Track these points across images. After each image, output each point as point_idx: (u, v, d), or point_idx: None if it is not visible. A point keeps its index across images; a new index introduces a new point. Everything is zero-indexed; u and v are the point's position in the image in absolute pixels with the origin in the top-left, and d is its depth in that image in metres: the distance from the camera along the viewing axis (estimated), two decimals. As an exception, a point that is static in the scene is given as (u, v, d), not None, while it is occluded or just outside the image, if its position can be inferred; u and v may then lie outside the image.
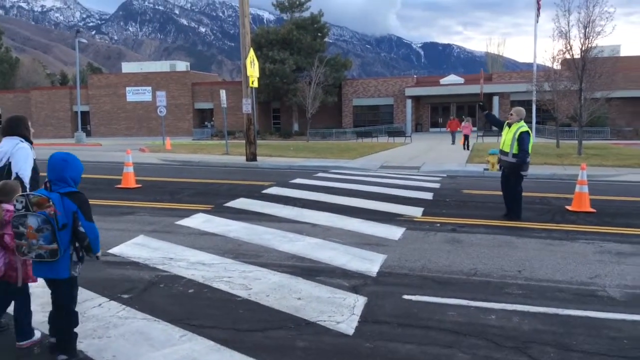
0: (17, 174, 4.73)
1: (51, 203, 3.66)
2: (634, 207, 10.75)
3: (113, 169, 16.68)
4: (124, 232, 7.90)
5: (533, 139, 9.14)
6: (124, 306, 4.90)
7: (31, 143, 5.06)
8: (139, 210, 9.65)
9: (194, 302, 5.03)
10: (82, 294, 5.18)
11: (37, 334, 4.21)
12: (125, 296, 5.17)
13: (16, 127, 5.03)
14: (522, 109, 9.42)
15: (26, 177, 4.80)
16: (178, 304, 4.99)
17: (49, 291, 4.00)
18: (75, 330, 3.98)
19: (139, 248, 6.96)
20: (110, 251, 6.81)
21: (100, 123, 57.29)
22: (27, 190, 4.58)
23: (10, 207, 3.92)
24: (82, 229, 3.80)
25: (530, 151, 9.05)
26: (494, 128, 41.75)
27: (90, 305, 4.90)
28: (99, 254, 4.01)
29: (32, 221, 3.64)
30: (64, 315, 3.91)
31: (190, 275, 5.80)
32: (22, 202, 3.69)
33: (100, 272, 5.91)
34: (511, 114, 9.29)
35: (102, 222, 8.64)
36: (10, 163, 4.82)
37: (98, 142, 42.78)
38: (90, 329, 4.40)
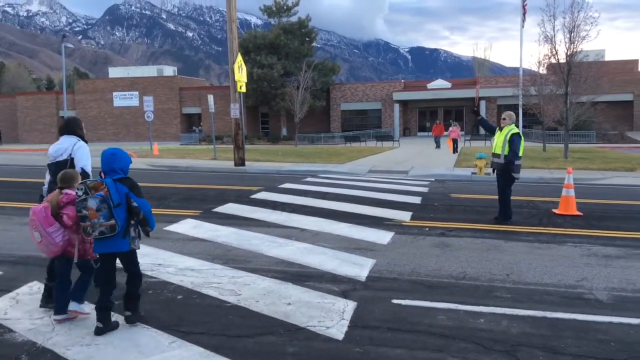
0: (82, 168, 5.38)
1: (105, 186, 4.36)
2: (620, 210, 10.86)
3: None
4: (112, 238, 7.83)
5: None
6: (112, 313, 4.85)
7: (86, 142, 5.70)
8: (126, 216, 9.58)
9: (183, 308, 5.01)
10: (70, 301, 5.14)
11: (87, 309, 4.81)
12: (115, 302, 5.11)
13: (73, 127, 5.69)
14: (513, 113, 9.62)
15: (89, 170, 5.41)
16: (167, 310, 4.96)
17: (37, 298, 4.01)
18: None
19: (127, 254, 6.91)
20: (98, 257, 6.76)
21: (87, 128, 55.58)
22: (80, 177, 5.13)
23: (72, 192, 4.65)
24: (135, 204, 4.48)
25: (521, 153, 9.16)
26: (482, 132, 42.12)
27: (78, 313, 4.85)
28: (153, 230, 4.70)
29: (92, 203, 4.33)
30: (131, 280, 4.69)
31: (179, 281, 5.77)
32: (82, 188, 4.41)
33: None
34: (504, 119, 9.41)
35: (90, 228, 8.59)
36: (72, 158, 5.44)
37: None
38: (78, 336, 4.36)
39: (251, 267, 6.38)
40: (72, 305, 4.70)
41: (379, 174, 18.12)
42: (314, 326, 4.57)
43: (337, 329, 4.50)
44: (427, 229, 8.67)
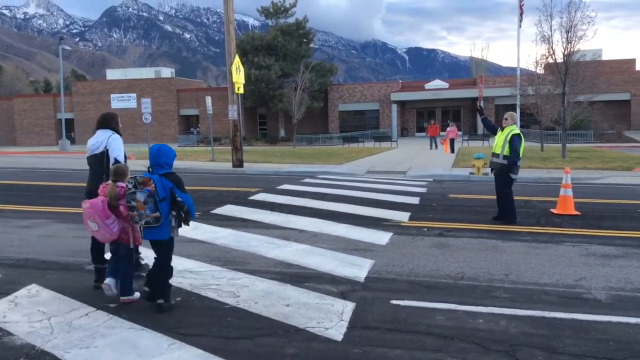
0: (115, 158, 5.74)
1: (152, 182, 4.88)
2: (618, 209, 10.88)
3: (98, 177, 16.53)
4: (110, 240, 7.83)
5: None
6: (111, 315, 4.86)
7: (120, 135, 6.04)
8: (125, 218, 9.58)
9: (182, 310, 5.00)
10: (69, 303, 5.15)
11: (137, 295, 5.26)
12: (112, 305, 5.12)
13: (109, 122, 6.05)
14: (515, 114, 9.64)
15: (122, 160, 5.82)
16: (166, 312, 4.96)
17: (37, 300, 4.01)
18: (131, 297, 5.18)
19: (125, 256, 6.90)
20: (96, 260, 6.75)
21: (84, 130, 56.81)
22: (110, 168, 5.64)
23: (123, 185, 5.14)
24: (179, 199, 4.99)
25: (521, 154, 9.17)
26: (479, 132, 42.15)
27: (77, 315, 4.85)
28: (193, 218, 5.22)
29: (140, 196, 4.86)
30: (163, 268, 5.14)
31: (177, 283, 5.76)
32: (132, 182, 4.98)
33: (87, 282, 5.86)
34: (506, 118, 9.42)
35: (87, 230, 8.56)
36: (107, 150, 5.81)
37: (83, 149, 42.39)
38: (77, 339, 4.36)
39: (250, 268, 6.38)
40: (122, 299, 5.19)
41: (377, 175, 18.13)
42: (313, 327, 4.57)
43: (336, 330, 4.50)
44: (426, 229, 8.68)
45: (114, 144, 5.85)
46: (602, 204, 11.51)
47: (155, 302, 5.03)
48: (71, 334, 4.44)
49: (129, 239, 5.29)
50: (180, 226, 5.18)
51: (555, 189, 11.61)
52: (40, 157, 31.79)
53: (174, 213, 5.06)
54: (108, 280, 5.30)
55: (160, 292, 5.07)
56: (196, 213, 9.95)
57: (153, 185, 4.91)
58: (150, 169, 5.05)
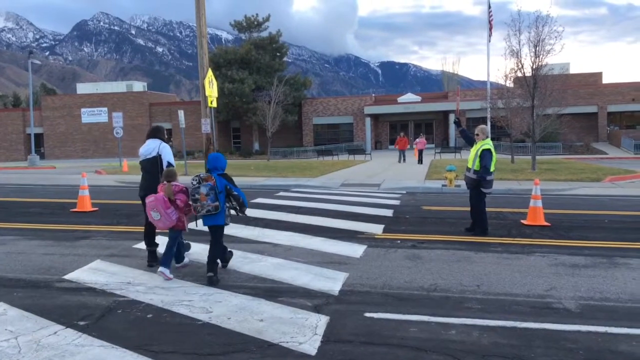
0: (168, 162, 7.15)
1: (213, 178, 6.29)
2: (586, 220, 11.08)
3: (68, 193, 16.28)
4: (80, 257, 7.70)
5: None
6: (80, 333, 4.76)
7: (167, 143, 7.43)
8: (95, 234, 9.43)
9: (153, 327, 4.93)
10: (37, 322, 5.04)
11: (187, 260, 7.12)
12: (82, 323, 5.02)
13: (157, 133, 7.51)
14: (485, 127, 9.65)
15: (173, 163, 7.18)
16: (136, 329, 4.88)
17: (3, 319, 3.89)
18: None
19: (95, 273, 6.79)
20: (65, 277, 6.62)
21: (54, 145, 55.99)
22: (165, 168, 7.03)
23: (178, 184, 6.62)
24: (235, 193, 6.41)
25: (492, 168, 9.16)
26: (452, 144, 42.68)
27: (46, 334, 4.74)
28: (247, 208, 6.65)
29: (203, 190, 6.22)
30: (217, 248, 6.55)
31: (148, 299, 5.68)
32: (196, 179, 6.30)
33: (56, 299, 5.74)
34: (477, 134, 9.44)
35: (57, 247, 8.42)
36: (160, 155, 7.19)
37: (52, 164, 41.72)
38: (45, 357, 4.25)
39: (223, 283, 6.31)
40: (161, 269, 6.50)
41: (351, 188, 18.19)
42: (287, 342, 4.54)
43: (310, 344, 4.48)
44: (399, 241, 8.72)
45: (165, 151, 7.30)
46: (571, 215, 11.72)
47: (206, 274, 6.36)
48: (39, 353, 4.34)
49: (183, 226, 6.70)
50: (237, 215, 6.68)
51: (526, 200, 11.79)
52: (9, 172, 31.17)
53: (227, 205, 6.47)
54: (162, 269, 6.51)
55: (210, 266, 6.37)
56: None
57: (214, 180, 6.28)
58: (208, 171, 6.50)
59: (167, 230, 6.72)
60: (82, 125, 55.41)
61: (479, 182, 9.20)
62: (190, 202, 6.41)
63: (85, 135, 55.40)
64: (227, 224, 6.58)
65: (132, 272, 6.80)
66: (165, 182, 6.63)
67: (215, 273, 6.33)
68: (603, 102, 46.91)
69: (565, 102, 26.77)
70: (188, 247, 7.67)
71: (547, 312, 5.33)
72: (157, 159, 7.22)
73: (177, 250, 6.81)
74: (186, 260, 7.04)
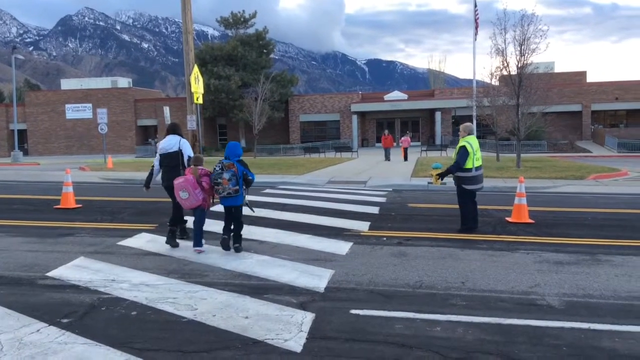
0: (188, 156, 8.21)
1: (235, 166, 7.37)
2: (570, 217, 11.19)
3: (51, 189, 16.12)
4: (64, 254, 7.63)
5: (475, 152, 9.32)
6: (63, 331, 4.71)
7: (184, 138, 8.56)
8: (79, 231, 9.35)
9: (137, 325, 4.89)
10: (20, 319, 4.98)
11: (205, 246, 7.80)
12: (65, 321, 4.97)
13: (177, 130, 8.61)
14: (468, 125, 9.67)
15: (192, 155, 8.22)
16: (120, 327, 4.84)
17: None
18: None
19: (79, 270, 6.73)
20: (49, 274, 6.56)
21: (38, 141, 55.39)
22: (185, 162, 8.21)
23: (203, 168, 7.68)
24: (250, 178, 7.58)
25: (470, 165, 9.17)
26: (437, 142, 42.83)
27: (28, 332, 4.69)
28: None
29: (226, 175, 7.33)
30: (239, 223, 7.81)
31: (133, 297, 5.64)
32: (219, 166, 7.41)
33: (39, 297, 5.68)
34: (459, 131, 9.58)
35: (40, 244, 8.33)
36: (180, 150, 8.27)
37: (36, 161, 41.27)
38: (28, 356, 4.21)
39: (208, 281, 6.29)
40: (195, 248, 7.69)
41: (337, 185, 18.19)
42: (272, 339, 4.53)
43: (295, 341, 4.47)
44: (385, 238, 8.74)
45: (185, 146, 8.41)
46: (555, 212, 11.82)
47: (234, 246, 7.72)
48: (22, 351, 4.29)
49: (207, 205, 7.74)
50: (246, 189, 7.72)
51: (511, 198, 11.86)
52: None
53: (244, 188, 7.57)
54: (196, 248, 7.73)
55: (236, 239, 7.77)
56: (153, 225, 9.95)
57: (235, 167, 7.39)
58: (229, 159, 7.49)
59: (192, 209, 7.73)
60: (66, 121, 54.85)
61: (459, 179, 9.28)
62: (213, 185, 7.49)
63: (70, 132, 54.85)
64: (245, 204, 7.66)
65: (116, 269, 6.75)
66: (192, 166, 7.72)
67: (240, 243, 7.79)
68: (587, 100, 47.36)
69: (550, 101, 26.98)
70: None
71: (531, 308, 5.37)
72: (179, 153, 8.28)
73: (197, 230, 7.75)
74: (204, 246, 7.83)
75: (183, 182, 7.48)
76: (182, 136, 8.47)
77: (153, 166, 8.65)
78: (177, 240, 8.13)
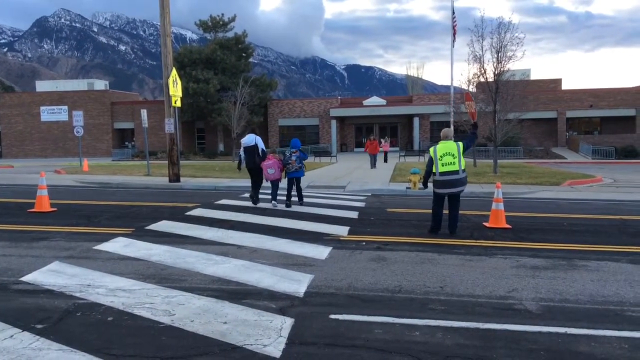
0: (262, 149, 12.90)
1: (298, 152, 12.84)
2: (546, 222, 11.33)
3: (25, 192, 15.84)
4: (38, 258, 7.48)
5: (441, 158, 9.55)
6: (37, 337, 4.61)
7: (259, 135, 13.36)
8: (53, 235, 9.18)
9: (114, 331, 4.81)
10: (-10, 326, 4.86)
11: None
12: (39, 326, 4.87)
13: (254, 131, 13.50)
14: (444, 130, 9.81)
15: (264, 148, 12.93)
16: (96, 332, 4.75)
17: None
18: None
19: (53, 275, 6.60)
20: (22, 279, 6.43)
21: (12, 144, 54.47)
22: (261, 155, 12.92)
23: (277, 156, 13.22)
24: (306, 158, 13.23)
25: (433, 169, 9.42)
26: (415, 147, 43.09)
27: (1, 337, 4.58)
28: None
29: (294, 157, 12.79)
30: (299, 188, 13.33)
31: (109, 302, 5.55)
32: (289, 153, 12.86)
33: (12, 302, 5.56)
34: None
35: (14, 248, 8.17)
36: (256, 144, 12.95)
37: (10, 163, 40.54)
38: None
39: (186, 286, 6.22)
40: (273, 202, 12.63)
41: (317, 189, 18.18)
42: (251, 345, 4.49)
43: (275, 347, 4.44)
44: (364, 243, 8.75)
45: (259, 141, 13.17)
46: (532, 218, 11.96)
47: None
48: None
49: (280, 179, 12.88)
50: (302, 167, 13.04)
51: (488, 203, 11.98)
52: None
53: (304, 166, 13.01)
54: (273, 202, 12.75)
55: (288, 199, 12.79)
56: (129, 230, 9.86)
57: (298, 153, 12.70)
58: (293, 150, 12.79)
59: (272, 181, 12.87)
60: (41, 123, 54.04)
61: (431, 182, 9.62)
62: (284, 166, 12.81)
63: (45, 134, 54.04)
64: (303, 176, 13.24)
65: (92, 274, 6.64)
66: (273, 154, 13.22)
67: (290, 202, 12.88)
68: (562, 107, 48.14)
69: (526, 108, 27.36)
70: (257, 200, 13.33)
71: (509, 313, 5.41)
72: (255, 147, 13.03)
73: (275, 194, 12.93)
74: (276, 204, 12.80)
75: (272, 163, 12.63)
76: (257, 135, 13.27)
77: (240, 155, 13.35)
78: (255, 204, 13.08)
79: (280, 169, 12.59)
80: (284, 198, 13.04)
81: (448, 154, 9.37)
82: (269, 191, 13.35)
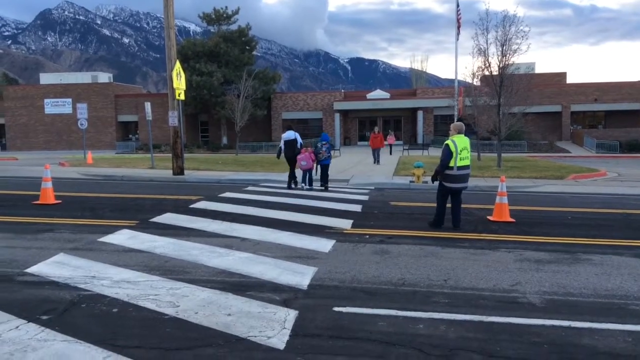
0: (300, 143, 15.96)
1: (328, 144, 15.83)
2: (550, 216, 11.32)
3: (30, 185, 15.89)
4: (43, 250, 7.51)
5: (460, 152, 9.42)
6: (43, 328, 4.64)
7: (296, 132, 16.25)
8: (58, 227, 9.22)
9: (118, 322, 4.84)
10: (-4, 317, 4.89)
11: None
12: (45, 317, 4.90)
13: (291, 127, 16.43)
14: (457, 124, 9.77)
15: (302, 142, 16.19)
16: (101, 324, 4.78)
17: None
18: None
19: (59, 267, 6.64)
20: (27, 270, 6.46)
21: (16, 136, 54.57)
22: (298, 147, 15.89)
23: (310, 149, 16.13)
24: (332, 151, 17.79)
25: (451, 163, 9.29)
26: (419, 141, 43.10)
27: (7, 328, 4.61)
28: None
29: (324, 148, 15.78)
30: (326, 174, 16.00)
31: (114, 294, 5.58)
32: (320, 144, 15.82)
33: (18, 293, 5.59)
34: (449, 130, 9.72)
35: (19, 239, 8.21)
36: (296, 139, 15.79)
37: (14, 156, 40.66)
38: (6, 352, 4.13)
39: (190, 278, 6.24)
40: (305, 186, 15.85)
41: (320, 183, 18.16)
42: (255, 336, 4.51)
43: (278, 339, 4.46)
44: (368, 236, 8.76)
45: (299, 137, 15.85)
46: (535, 211, 11.95)
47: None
48: (1, 348, 4.21)
49: (312, 168, 15.73)
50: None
51: (492, 197, 11.98)
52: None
53: (330, 155, 15.99)
54: (301, 185, 15.89)
55: (326, 183, 15.85)
56: (134, 222, 9.92)
57: (327, 145, 15.64)
58: (323, 142, 15.81)
59: (304, 170, 15.59)
60: (45, 116, 54.10)
61: (441, 176, 9.43)
62: (314, 155, 15.57)
63: (49, 127, 54.11)
64: (330, 163, 15.82)
65: (97, 266, 6.67)
66: (307, 148, 15.99)
67: (327, 185, 15.77)
68: (567, 101, 47.93)
69: (531, 101, 27.23)
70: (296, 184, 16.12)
71: (513, 306, 5.42)
72: (295, 141, 15.65)
73: (309, 180, 15.74)
74: (306, 188, 15.62)
75: (304, 156, 15.41)
76: (295, 131, 15.98)
77: (281, 147, 15.93)
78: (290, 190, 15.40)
79: (312, 159, 15.48)
80: (316, 185, 16.09)
81: (465, 148, 9.37)
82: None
